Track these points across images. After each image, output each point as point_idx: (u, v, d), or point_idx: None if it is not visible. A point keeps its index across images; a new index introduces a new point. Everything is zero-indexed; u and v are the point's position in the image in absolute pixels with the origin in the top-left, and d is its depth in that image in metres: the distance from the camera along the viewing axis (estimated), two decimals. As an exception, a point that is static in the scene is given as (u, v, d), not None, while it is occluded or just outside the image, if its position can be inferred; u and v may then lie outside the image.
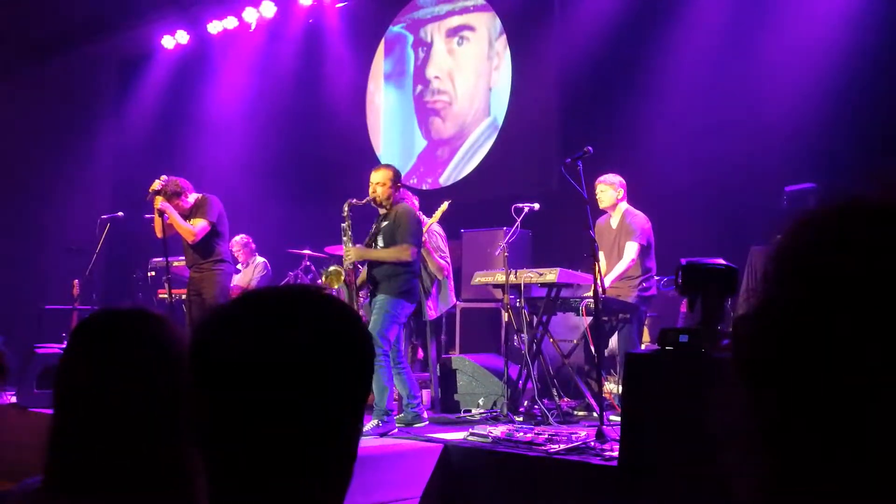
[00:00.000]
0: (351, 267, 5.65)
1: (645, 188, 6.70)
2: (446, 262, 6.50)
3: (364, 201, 5.65)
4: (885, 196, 0.65)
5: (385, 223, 5.56)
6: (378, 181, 5.57)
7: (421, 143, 9.60)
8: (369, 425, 5.11)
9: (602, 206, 6.23)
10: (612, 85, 7.65)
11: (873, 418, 0.60)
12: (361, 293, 5.77)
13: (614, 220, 6.26)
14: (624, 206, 6.29)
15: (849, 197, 0.67)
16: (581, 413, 5.86)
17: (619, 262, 6.08)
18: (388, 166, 5.78)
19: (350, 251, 5.57)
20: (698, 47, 7.04)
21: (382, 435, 5.12)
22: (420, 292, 6.15)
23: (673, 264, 3.87)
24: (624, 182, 6.23)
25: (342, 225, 5.68)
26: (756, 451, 0.65)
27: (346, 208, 5.69)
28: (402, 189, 5.87)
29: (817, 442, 0.62)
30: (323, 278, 5.91)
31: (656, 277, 6.20)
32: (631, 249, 6.07)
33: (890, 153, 5.70)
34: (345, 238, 5.67)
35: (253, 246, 8.80)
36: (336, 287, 5.90)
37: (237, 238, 8.58)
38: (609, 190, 6.20)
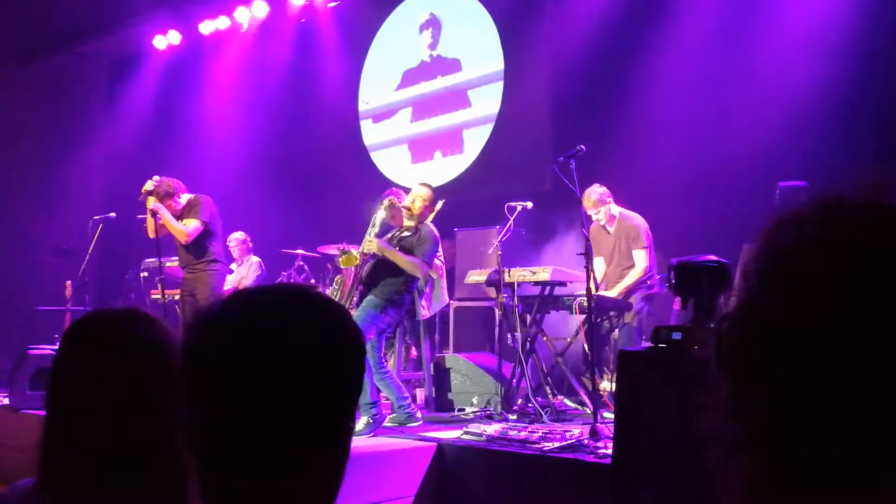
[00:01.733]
0: (367, 256, 5.66)
1: (638, 186, 6.71)
2: (440, 261, 6.50)
3: (400, 205, 5.76)
4: (870, 196, 0.65)
5: (406, 234, 5.65)
6: (420, 195, 5.72)
7: (412, 141, 9.60)
8: (361, 424, 5.11)
9: (602, 223, 6.29)
10: (605, 83, 7.65)
11: (856, 417, 0.60)
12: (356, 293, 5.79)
13: (610, 225, 6.30)
14: (616, 209, 6.33)
15: (833, 196, 0.67)
16: (574, 405, 5.89)
17: (633, 272, 6.13)
18: (431, 188, 5.91)
19: (373, 242, 5.57)
20: (691, 45, 7.04)
21: (376, 427, 5.14)
22: (415, 297, 6.18)
23: (666, 262, 3.88)
24: (607, 190, 6.28)
25: (374, 215, 5.77)
26: (740, 450, 0.66)
27: (386, 202, 5.81)
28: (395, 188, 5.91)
29: (800, 442, 0.62)
30: (340, 257, 5.91)
31: (657, 276, 6.24)
32: (640, 257, 6.13)
33: (884, 152, 5.72)
34: (371, 228, 5.75)
35: (250, 244, 8.80)
36: (344, 267, 5.99)
37: (236, 234, 8.58)
38: (602, 209, 6.26)
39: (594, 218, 6.25)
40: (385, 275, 5.47)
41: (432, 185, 6.06)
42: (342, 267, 6.04)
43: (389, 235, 5.74)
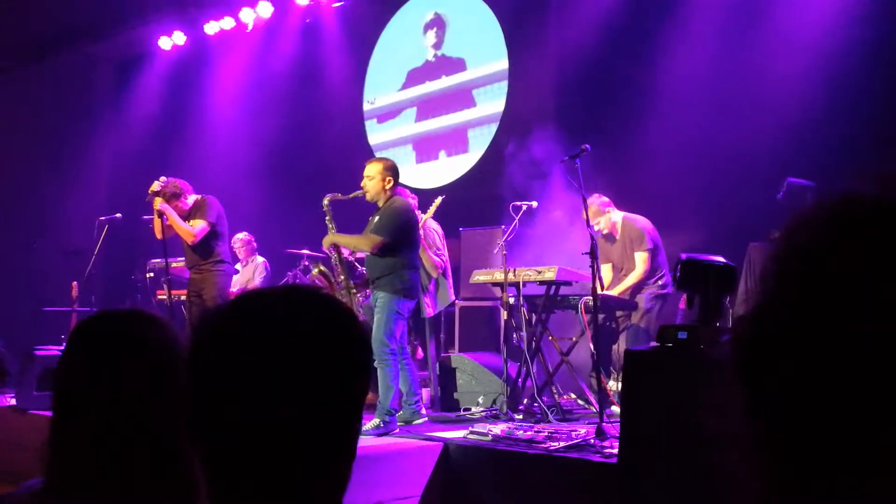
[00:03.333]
0: (331, 253, 5.65)
1: (644, 184, 6.69)
2: (442, 259, 6.48)
3: (351, 196, 5.57)
4: (885, 192, 0.65)
5: (377, 217, 5.46)
6: (368, 174, 5.44)
7: (416, 141, 9.60)
8: (370, 425, 5.10)
9: (605, 233, 6.28)
10: (609, 82, 7.64)
11: (874, 424, 0.60)
12: (360, 295, 5.78)
13: (615, 233, 6.31)
14: (619, 215, 6.31)
15: (849, 195, 0.66)
16: (582, 403, 5.90)
17: (631, 274, 6.13)
18: (381, 159, 5.64)
19: (325, 240, 5.64)
20: (697, 43, 7.03)
21: (383, 435, 5.12)
22: (420, 289, 6.18)
23: (672, 261, 3.88)
24: (606, 199, 6.29)
25: (325, 218, 5.71)
26: (755, 454, 0.65)
27: (325, 202, 5.70)
28: (398, 187, 5.81)
29: (816, 448, 0.62)
30: (314, 271, 5.94)
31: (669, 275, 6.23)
32: (640, 259, 6.13)
33: (890, 150, 5.69)
34: (329, 228, 5.72)
35: (254, 245, 8.81)
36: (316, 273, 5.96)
37: (240, 235, 8.58)
38: (601, 218, 6.25)
39: (595, 228, 6.22)
40: (382, 269, 5.36)
41: (434, 174, 5.95)
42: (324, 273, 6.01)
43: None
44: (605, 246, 6.30)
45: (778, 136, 6.32)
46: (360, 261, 5.94)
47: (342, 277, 5.74)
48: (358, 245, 5.43)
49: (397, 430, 5.24)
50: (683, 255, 3.69)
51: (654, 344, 3.67)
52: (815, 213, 0.67)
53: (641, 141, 7.15)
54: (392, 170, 5.50)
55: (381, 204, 5.49)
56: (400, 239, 5.37)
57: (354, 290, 5.74)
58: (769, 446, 0.65)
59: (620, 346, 6.06)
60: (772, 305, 0.66)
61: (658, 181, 6.90)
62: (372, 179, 5.42)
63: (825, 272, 0.63)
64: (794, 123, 6.23)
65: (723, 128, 6.75)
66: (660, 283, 6.16)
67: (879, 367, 0.60)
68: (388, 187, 5.44)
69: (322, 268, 5.95)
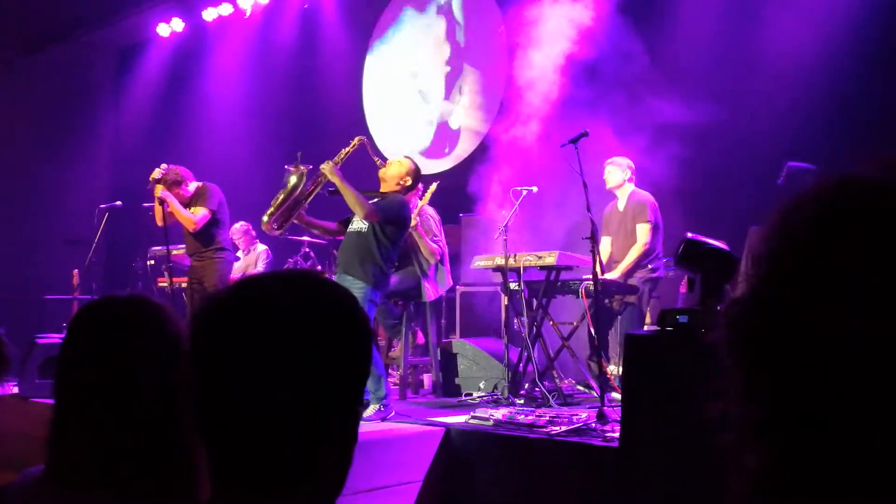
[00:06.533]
0: (320, 178, 5.47)
1: (647, 168, 6.68)
2: (439, 245, 6.47)
3: (375, 159, 5.64)
4: (880, 175, 0.64)
5: (375, 200, 5.42)
6: (398, 161, 5.58)
7: (414, 124, 9.58)
8: (368, 410, 5.11)
9: (609, 186, 6.25)
10: (612, 65, 7.61)
11: (867, 408, 0.60)
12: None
13: (621, 203, 6.29)
14: (630, 187, 6.30)
15: (843, 177, 0.66)
16: (583, 388, 5.90)
17: (634, 247, 6.08)
18: (412, 162, 5.70)
19: (326, 164, 5.40)
20: (702, 28, 7.01)
21: (383, 419, 5.13)
22: (418, 274, 6.19)
23: (672, 246, 3.88)
24: (633, 165, 6.26)
25: (344, 149, 5.62)
26: (749, 438, 0.65)
27: (355, 141, 5.66)
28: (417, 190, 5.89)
29: (810, 432, 0.62)
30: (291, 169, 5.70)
31: (663, 259, 6.20)
32: (643, 231, 6.08)
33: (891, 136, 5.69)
34: (336, 157, 5.56)
35: (253, 233, 8.80)
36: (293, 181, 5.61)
37: (237, 225, 8.57)
38: (616, 171, 6.23)
39: (605, 178, 6.25)
40: (360, 253, 5.28)
41: (437, 169, 5.94)
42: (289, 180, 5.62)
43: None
44: (611, 215, 6.27)
45: (780, 120, 6.31)
46: (337, 243, 5.83)
47: (280, 198, 5.54)
48: (354, 203, 5.22)
49: (394, 413, 5.25)
50: (689, 234, 3.70)
51: (655, 327, 3.67)
52: (810, 198, 0.66)
53: (646, 125, 7.13)
54: (414, 177, 5.60)
55: (383, 189, 5.52)
56: (389, 228, 5.30)
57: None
58: (760, 430, 0.65)
59: (617, 330, 6.06)
60: (763, 289, 0.66)
61: (662, 165, 6.88)
62: (399, 174, 5.51)
63: (817, 263, 0.63)
64: (797, 107, 6.22)
65: (724, 112, 6.73)
66: (650, 266, 6.12)
67: (870, 360, 0.60)
68: (404, 185, 5.53)
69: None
